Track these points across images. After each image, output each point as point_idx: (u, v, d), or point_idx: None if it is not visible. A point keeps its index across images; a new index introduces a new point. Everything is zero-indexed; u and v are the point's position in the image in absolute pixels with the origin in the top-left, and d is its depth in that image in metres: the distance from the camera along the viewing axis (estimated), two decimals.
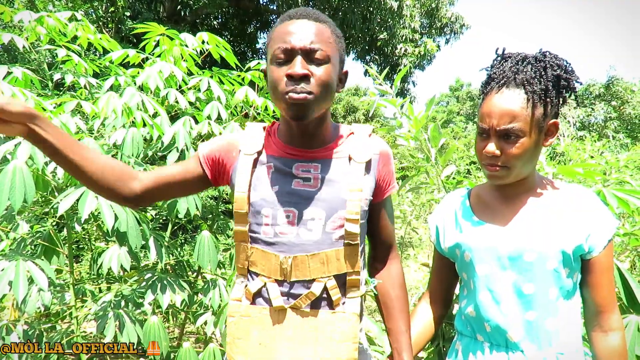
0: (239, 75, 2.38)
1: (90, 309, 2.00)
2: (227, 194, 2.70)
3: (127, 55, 2.12)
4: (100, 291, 2.43)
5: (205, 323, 2.03)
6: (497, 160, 0.93)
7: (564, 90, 0.93)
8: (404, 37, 9.46)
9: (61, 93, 2.39)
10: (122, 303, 1.94)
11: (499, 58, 0.99)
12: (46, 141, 0.82)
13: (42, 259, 1.67)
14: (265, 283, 0.92)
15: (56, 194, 1.80)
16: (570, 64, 0.94)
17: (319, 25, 0.86)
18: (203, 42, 2.26)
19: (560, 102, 0.94)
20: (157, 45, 2.21)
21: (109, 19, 6.93)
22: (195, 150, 1.38)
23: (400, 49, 9.46)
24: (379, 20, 9.03)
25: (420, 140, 1.60)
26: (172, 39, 2.16)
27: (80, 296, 2.17)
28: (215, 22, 10.05)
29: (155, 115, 2.00)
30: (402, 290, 1.04)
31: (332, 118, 0.97)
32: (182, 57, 2.17)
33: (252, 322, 0.92)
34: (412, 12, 9.54)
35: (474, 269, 1.00)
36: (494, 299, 0.96)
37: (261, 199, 0.91)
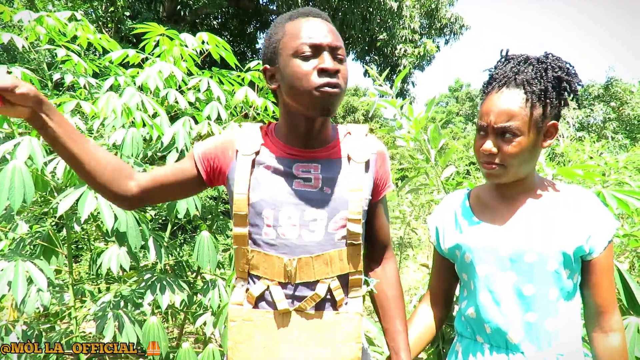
0: (239, 76, 2.38)
1: (89, 309, 2.00)
2: (226, 194, 2.69)
3: (127, 55, 2.11)
4: (100, 291, 2.42)
5: (205, 323, 2.03)
6: (493, 158, 0.93)
7: (565, 92, 0.93)
8: (403, 38, 9.48)
9: (61, 93, 2.38)
10: (122, 303, 1.94)
11: (502, 59, 1.00)
12: (49, 127, 0.82)
13: (41, 259, 1.66)
14: (268, 286, 0.91)
15: (55, 194, 1.80)
16: (572, 67, 0.94)
17: (331, 26, 0.89)
18: (203, 42, 2.26)
19: (561, 103, 0.94)
20: (156, 45, 2.21)
21: (108, 18, 6.92)
22: None
23: (400, 49, 9.47)
24: (378, 20, 9.05)
25: (420, 141, 1.60)
26: (171, 39, 2.16)
27: (80, 296, 2.16)
28: (215, 22, 10.04)
29: (154, 115, 2.00)
30: (397, 290, 1.04)
31: (332, 118, 0.98)
32: (182, 57, 2.17)
33: (254, 326, 0.90)
34: (412, 12, 9.55)
35: (474, 269, 1.00)
36: (494, 300, 0.96)
37: (261, 200, 0.90)
